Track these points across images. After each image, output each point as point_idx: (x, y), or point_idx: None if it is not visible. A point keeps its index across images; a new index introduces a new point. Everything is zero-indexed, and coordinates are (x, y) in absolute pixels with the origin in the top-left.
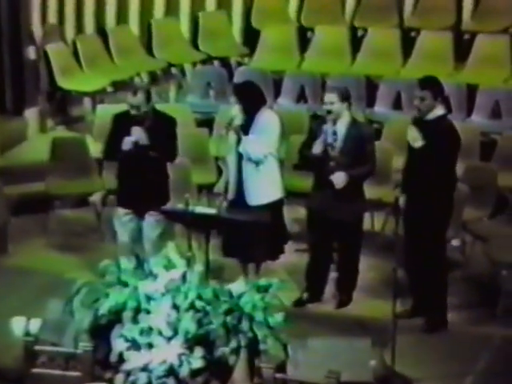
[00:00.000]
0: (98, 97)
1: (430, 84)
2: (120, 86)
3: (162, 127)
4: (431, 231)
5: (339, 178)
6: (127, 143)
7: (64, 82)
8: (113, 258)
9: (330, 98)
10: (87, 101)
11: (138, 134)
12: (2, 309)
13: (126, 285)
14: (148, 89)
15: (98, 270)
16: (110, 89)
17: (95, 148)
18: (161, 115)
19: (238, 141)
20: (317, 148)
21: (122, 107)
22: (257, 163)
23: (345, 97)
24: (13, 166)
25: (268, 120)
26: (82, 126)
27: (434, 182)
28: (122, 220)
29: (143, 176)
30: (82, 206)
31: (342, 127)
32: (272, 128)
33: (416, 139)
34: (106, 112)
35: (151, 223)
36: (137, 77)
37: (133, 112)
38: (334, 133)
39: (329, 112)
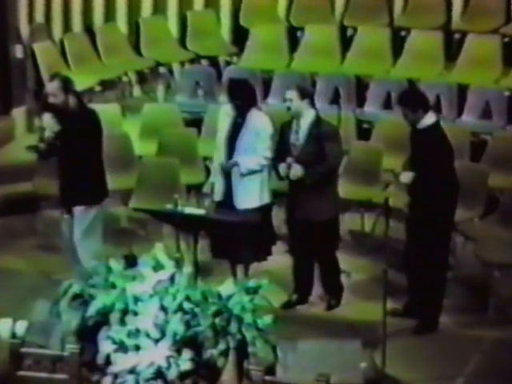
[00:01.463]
0: (86, 96)
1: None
2: (108, 85)
3: (78, 118)
4: (434, 233)
5: (295, 171)
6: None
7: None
8: (101, 259)
9: (289, 94)
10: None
11: (46, 121)
12: None
13: (113, 286)
14: (65, 78)
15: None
16: (97, 88)
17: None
18: (82, 107)
19: (228, 143)
20: (282, 171)
21: (111, 106)
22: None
23: (304, 94)
24: (0, 165)
25: (260, 122)
26: None
27: (433, 186)
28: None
29: (62, 168)
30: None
31: (304, 125)
32: (265, 131)
33: (406, 178)
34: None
35: (76, 220)
36: (125, 76)
37: (50, 100)
38: (297, 131)
39: (288, 109)
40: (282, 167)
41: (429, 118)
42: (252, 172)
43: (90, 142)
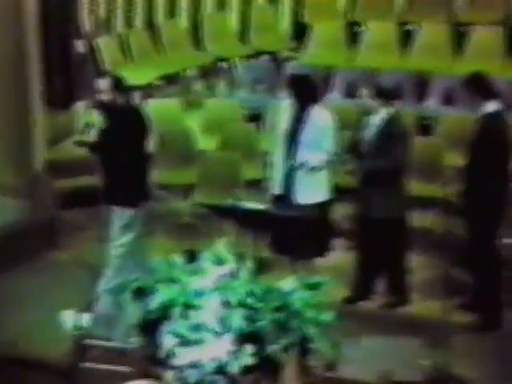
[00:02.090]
0: (147, 91)
1: None
2: (170, 80)
3: (125, 118)
4: (489, 228)
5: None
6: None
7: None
8: (163, 254)
9: (363, 92)
10: (136, 95)
11: (94, 117)
12: (52, 302)
13: (175, 281)
14: (117, 77)
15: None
16: (159, 83)
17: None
18: (130, 107)
19: (289, 139)
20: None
21: (172, 101)
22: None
23: (379, 93)
24: (62, 159)
25: (323, 118)
26: None
27: (489, 179)
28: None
29: (103, 166)
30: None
31: (375, 123)
32: (329, 127)
33: None
34: (155, 106)
35: (113, 216)
36: (186, 71)
37: (100, 97)
38: (368, 128)
39: (361, 106)
40: (342, 161)
41: (490, 106)
42: (318, 169)
43: (133, 142)
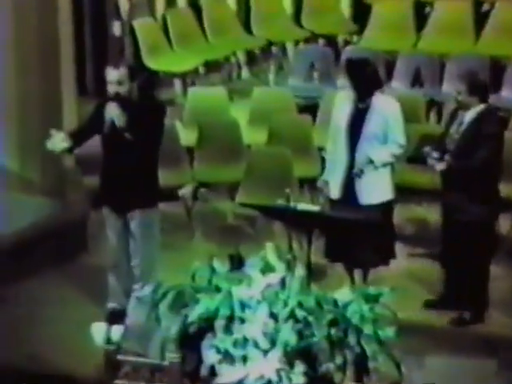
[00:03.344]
0: (189, 78)
1: None
2: (214, 67)
3: (146, 110)
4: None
5: (439, 165)
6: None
7: (151, 61)
8: (204, 259)
9: (459, 87)
10: (177, 83)
11: (112, 110)
12: (82, 313)
13: (218, 290)
14: (132, 64)
15: (187, 271)
16: (202, 69)
17: (186, 135)
18: (148, 98)
19: (348, 131)
20: (440, 166)
21: (216, 90)
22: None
23: (475, 90)
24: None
25: (389, 107)
26: (170, 110)
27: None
28: (109, 220)
29: (122, 166)
30: (171, 200)
31: (468, 119)
32: (395, 117)
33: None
34: (197, 95)
35: (135, 224)
36: (232, 56)
37: (113, 89)
38: (459, 124)
39: (456, 101)
40: (432, 156)
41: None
42: (386, 164)
43: (154, 135)
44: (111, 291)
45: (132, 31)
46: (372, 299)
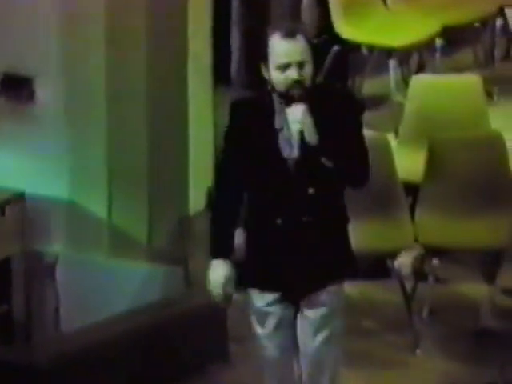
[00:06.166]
0: (413, 58)
1: None
2: (453, 37)
3: (340, 114)
4: None
5: None
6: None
7: (348, 29)
8: None
9: None
10: (391, 65)
11: (300, 117)
12: None
13: None
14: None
15: None
16: (439, 41)
17: (404, 159)
18: (340, 92)
19: None
20: None
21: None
22: None
23: None
24: None
25: None
26: (378, 111)
27: None
28: (263, 311)
29: (307, 220)
30: (376, 277)
31: None
32: None
33: None
34: (428, 89)
35: (314, 318)
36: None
37: (292, 91)
38: None
39: None
40: None
41: None
42: None
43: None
44: None
45: None
46: None
